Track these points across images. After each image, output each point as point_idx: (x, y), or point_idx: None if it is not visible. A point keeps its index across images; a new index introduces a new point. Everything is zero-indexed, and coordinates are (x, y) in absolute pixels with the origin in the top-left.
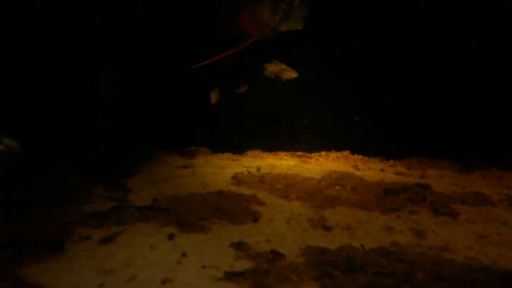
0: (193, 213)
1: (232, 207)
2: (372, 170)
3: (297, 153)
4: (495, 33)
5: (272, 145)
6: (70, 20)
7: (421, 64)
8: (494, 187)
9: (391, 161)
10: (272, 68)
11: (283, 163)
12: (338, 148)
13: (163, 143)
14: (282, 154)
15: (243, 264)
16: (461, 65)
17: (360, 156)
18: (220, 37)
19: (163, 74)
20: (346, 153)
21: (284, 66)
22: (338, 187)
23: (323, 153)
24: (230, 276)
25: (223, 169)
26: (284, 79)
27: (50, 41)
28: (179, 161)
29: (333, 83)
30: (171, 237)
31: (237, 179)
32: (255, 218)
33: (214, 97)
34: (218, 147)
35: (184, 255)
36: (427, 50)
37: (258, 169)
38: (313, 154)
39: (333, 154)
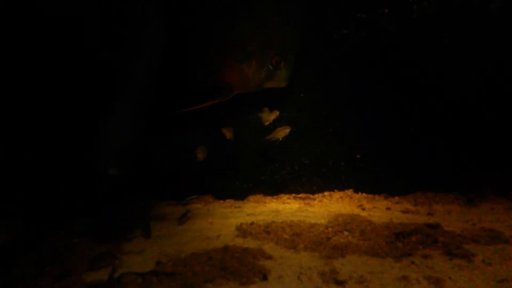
0: (199, 276)
1: (239, 264)
2: (378, 210)
3: (300, 195)
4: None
5: (274, 188)
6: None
7: (422, 95)
8: (504, 221)
9: (396, 198)
10: (265, 116)
11: (287, 208)
12: (341, 187)
13: (163, 192)
14: (285, 197)
15: None
16: (464, 94)
17: (364, 194)
18: (204, 86)
19: (160, 121)
20: (350, 192)
21: (275, 114)
22: (346, 233)
23: (326, 193)
24: None
25: (227, 219)
26: (280, 139)
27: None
28: (181, 212)
29: (330, 120)
30: None
31: (242, 230)
32: (264, 276)
33: (201, 155)
34: (219, 194)
35: None
36: (427, 80)
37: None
38: (316, 195)
39: (336, 194)
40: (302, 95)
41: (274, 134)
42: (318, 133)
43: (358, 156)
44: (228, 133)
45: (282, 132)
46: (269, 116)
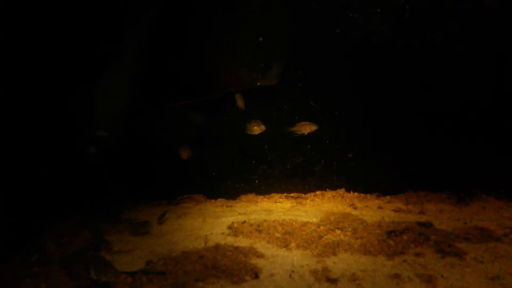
0: (190, 274)
1: (231, 263)
2: (370, 209)
3: (292, 194)
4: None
5: (266, 188)
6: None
7: (414, 96)
8: (495, 219)
9: (388, 197)
10: (254, 126)
11: (279, 207)
12: (333, 186)
13: (154, 192)
14: (277, 196)
15: None
16: (457, 94)
17: (356, 194)
18: (197, 84)
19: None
20: (342, 191)
21: (240, 98)
22: (338, 231)
23: (318, 192)
24: None
25: (218, 218)
26: (306, 133)
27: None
28: (172, 211)
29: (323, 120)
30: None
31: (233, 229)
32: (256, 274)
33: (185, 154)
34: (211, 193)
35: None
36: (418, 81)
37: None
38: (308, 195)
39: (328, 193)
40: (293, 95)
41: (298, 128)
42: (310, 133)
43: (350, 155)
44: (195, 117)
45: (308, 128)
46: (255, 126)
